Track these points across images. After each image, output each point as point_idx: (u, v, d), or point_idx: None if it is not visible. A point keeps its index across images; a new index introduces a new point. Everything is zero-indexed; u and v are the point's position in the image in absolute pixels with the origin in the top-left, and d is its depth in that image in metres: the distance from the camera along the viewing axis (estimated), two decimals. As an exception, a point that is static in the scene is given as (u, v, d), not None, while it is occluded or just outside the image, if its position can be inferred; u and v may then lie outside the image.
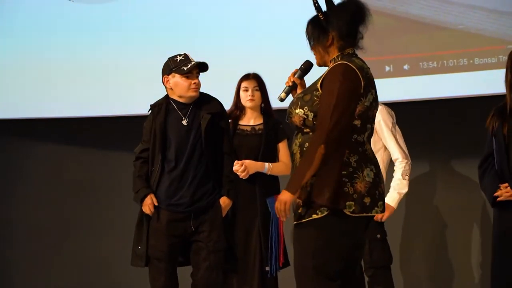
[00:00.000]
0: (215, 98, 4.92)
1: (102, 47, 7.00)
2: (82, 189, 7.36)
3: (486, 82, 5.80)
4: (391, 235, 5.33)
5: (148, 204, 4.72)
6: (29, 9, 7.26)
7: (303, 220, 3.59)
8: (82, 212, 7.35)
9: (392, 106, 5.39)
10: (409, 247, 6.34)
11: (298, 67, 3.90)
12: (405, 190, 5.24)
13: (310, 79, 3.78)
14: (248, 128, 5.31)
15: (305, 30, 3.74)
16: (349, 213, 3.53)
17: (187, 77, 4.78)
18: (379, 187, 3.64)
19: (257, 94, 5.30)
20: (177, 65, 4.77)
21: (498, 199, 4.65)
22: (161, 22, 6.83)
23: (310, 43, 3.74)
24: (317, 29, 3.68)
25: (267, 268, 5.14)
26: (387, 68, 6.07)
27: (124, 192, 6.90)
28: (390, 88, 5.97)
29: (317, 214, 3.55)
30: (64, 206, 7.43)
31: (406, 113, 5.77)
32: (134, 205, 5.01)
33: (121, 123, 7.08)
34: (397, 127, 5.28)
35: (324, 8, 3.69)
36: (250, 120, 5.34)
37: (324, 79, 3.61)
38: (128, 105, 6.84)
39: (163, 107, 4.82)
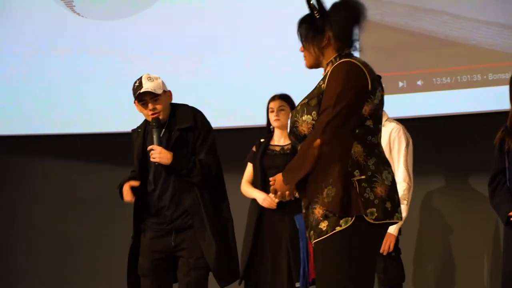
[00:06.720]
0: (187, 110, 4.65)
1: (109, 63, 7.04)
2: (88, 205, 7.38)
3: (500, 98, 5.76)
4: (404, 250, 5.30)
5: (126, 192, 4.59)
6: (36, 24, 7.31)
7: (327, 235, 3.31)
8: (88, 228, 7.36)
9: (406, 122, 5.37)
10: (421, 263, 6.31)
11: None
12: (403, 215, 4.95)
13: (310, 85, 3.58)
14: (278, 148, 5.41)
15: (297, 29, 3.54)
16: (371, 221, 3.29)
17: (142, 105, 4.60)
18: (397, 191, 3.42)
19: (282, 114, 5.37)
20: (133, 92, 4.59)
21: (512, 218, 4.61)
22: (167, 40, 6.88)
23: (302, 43, 3.52)
24: (312, 29, 3.49)
25: (297, 285, 5.14)
26: (401, 84, 6.06)
27: (130, 208, 6.92)
28: (404, 104, 5.97)
29: (341, 226, 3.29)
30: (71, 222, 7.44)
31: (419, 129, 5.75)
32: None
33: (128, 139, 7.08)
34: (410, 148, 5.17)
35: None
36: (280, 139, 5.46)
37: (328, 78, 3.39)
38: (135, 122, 6.85)
39: (142, 129, 4.69)
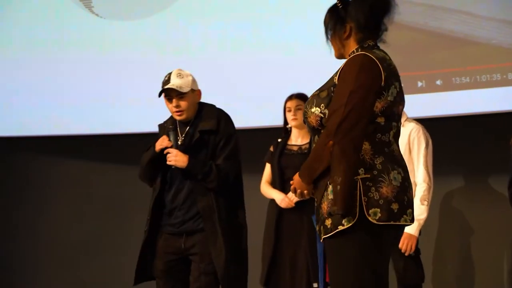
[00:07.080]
0: (212, 112, 4.58)
1: (127, 64, 7.05)
2: (105, 205, 7.40)
3: (520, 97, 5.77)
4: (423, 249, 5.28)
5: (162, 139, 4.50)
6: (56, 24, 7.35)
7: (331, 233, 3.26)
8: (104, 228, 7.39)
9: (425, 122, 5.35)
10: (441, 263, 6.29)
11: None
12: (423, 216, 4.99)
13: (325, 76, 3.51)
14: (295, 148, 5.43)
15: (323, 19, 3.46)
16: (374, 221, 3.19)
17: (168, 100, 4.56)
18: (408, 192, 3.29)
19: (300, 113, 5.36)
20: (161, 86, 4.54)
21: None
22: (185, 40, 6.90)
23: (327, 34, 3.45)
24: (334, 19, 3.41)
25: (315, 285, 5.13)
26: (420, 84, 6.04)
27: (147, 207, 6.93)
28: (423, 104, 5.95)
29: (343, 225, 3.21)
30: (87, 222, 7.47)
31: (439, 129, 5.73)
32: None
33: (145, 140, 7.09)
34: (430, 149, 5.13)
35: None
36: (298, 139, 5.49)
37: (341, 71, 3.32)
38: (152, 122, 6.86)
39: (168, 126, 4.62)
